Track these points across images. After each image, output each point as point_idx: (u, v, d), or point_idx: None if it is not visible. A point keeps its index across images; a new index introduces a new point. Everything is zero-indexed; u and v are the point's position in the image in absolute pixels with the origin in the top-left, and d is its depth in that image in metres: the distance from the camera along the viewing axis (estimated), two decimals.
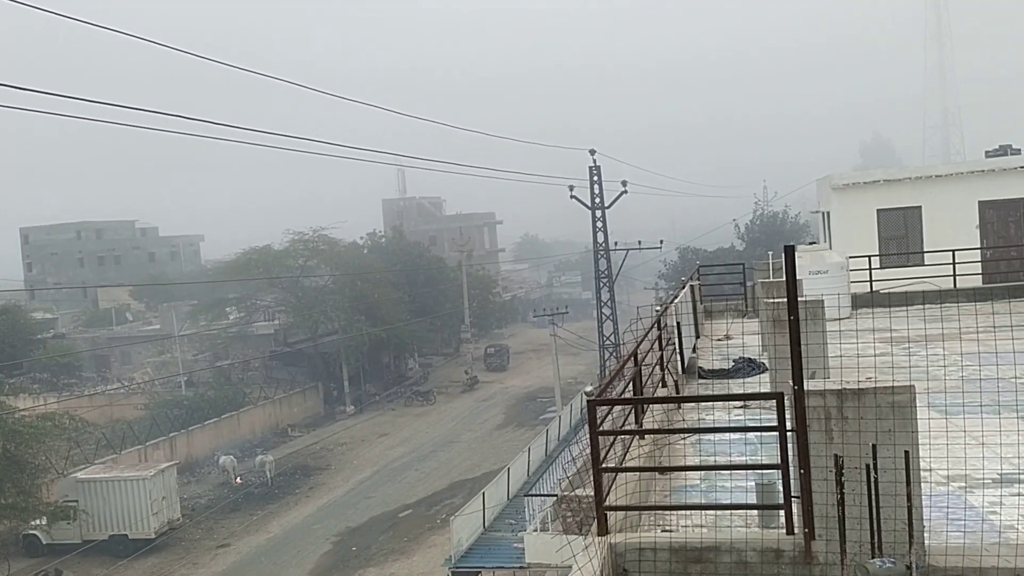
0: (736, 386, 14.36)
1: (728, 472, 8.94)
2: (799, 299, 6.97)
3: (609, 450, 8.07)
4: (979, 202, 26.66)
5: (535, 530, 22.33)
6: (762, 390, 13.20)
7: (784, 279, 7.08)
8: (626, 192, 53.37)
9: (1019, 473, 9.05)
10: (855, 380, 6.68)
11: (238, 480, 47.38)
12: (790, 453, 6.77)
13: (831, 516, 6.45)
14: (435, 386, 71.52)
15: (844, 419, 6.46)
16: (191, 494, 46.27)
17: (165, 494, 39.49)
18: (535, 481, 34.13)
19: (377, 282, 66.96)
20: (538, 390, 67.36)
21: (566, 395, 53.25)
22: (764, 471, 7.82)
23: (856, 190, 27.56)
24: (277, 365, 66.62)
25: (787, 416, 6.82)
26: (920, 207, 26.95)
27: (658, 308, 14.57)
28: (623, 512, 7.58)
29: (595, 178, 53.59)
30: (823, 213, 30.50)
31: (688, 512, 8.01)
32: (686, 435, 10.32)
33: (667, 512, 8.24)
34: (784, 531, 6.82)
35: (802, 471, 6.54)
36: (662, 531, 7.55)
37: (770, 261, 23.28)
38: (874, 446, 6.36)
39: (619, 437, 8.86)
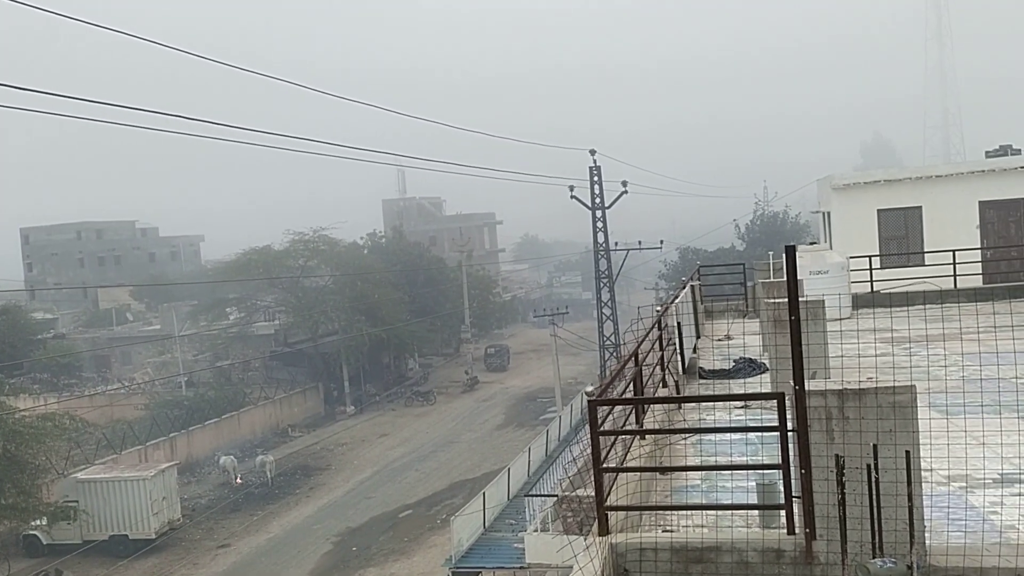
0: (737, 386, 14.36)
1: (729, 472, 8.94)
2: (800, 299, 6.97)
3: (610, 450, 8.07)
4: (979, 202, 26.67)
5: (535, 530, 22.36)
6: (763, 390, 13.20)
7: (785, 279, 7.08)
8: (626, 192, 53.38)
9: (1020, 473, 9.04)
10: (856, 380, 6.68)
11: (238, 480, 47.38)
12: (791, 453, 6.77)
13: (832, 516, 6.45)
14: (435, 386, 71.53)
15: (845, 419, 6.46)
16: (191, 494, 46.27)
17: (165, 494, 39.50)
18: (535, 481, 34.14)
19: (377, 282, 66.98)
20: (538, 390, 67.37)
21: (566, 395, 53.26)
22: (765, 471, 7.82)
23: (856, 190, 27.57)
24: (277, 365, 66.64)
25: (788, 416, 6.82)
26: (920, 207, 26.96)
27: (659, 308, 14.57)
28: (624, 512, 7.58)
29: (595, 178, 53.59)
30: (823, 213, 30.50)
31: (689, 512, 8.00)
32: (687, 435, 10.32)
33: (668, 512, 8.24)
34: (785, 531, 6.82)
35: (803, 471, 6.54)
36: (663, 531, 7.55)
37: (770, 261, 23.30)
38: (875, 446, 6.36)
39: (620, 437, 8.86)
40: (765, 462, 8.69)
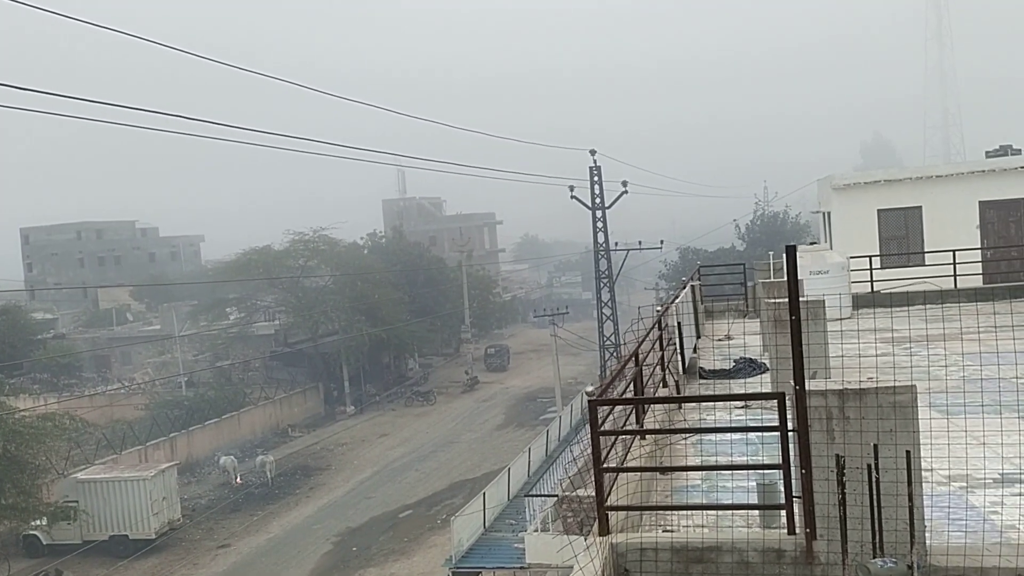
0: (737, 386, 14.36)
1: (729, 472, 8.94)
2: (800, 299, 6.97)
3: (610, 450, 8.07)
4: (979, 202, 26.67)
5: (536, 530, 22.36)
6: (763, 390, 13.20)
7: (785, 279, 7.08)
8: (626, 192, 53.37)
9: (1020, 473, 9.04)
10: (856, 380, 6.68)
11: (238, 480, 47.38)
12: (791, 453, 6.77)
13: (832, 516, 6.45)
14: (435, 386, 71.53)
15: (845, 419, 6.46)
16: (191, 494, 46.27)
17: (165, 494, 39.49)
18: (535, 481, 34.14)
19: (377, 282, 66.99)
20: (538, 390, 67.37)
21: (566, 395, 53.26)
22: (765, 471, 7.82)
23: (857, 190, 27.57)
24: (277, 365, 66.65)
25: (788, 416, 6.82)
26: (921, 207, 26.97)
27: (659, 308, 14.57)
28: (624, 512, 7.58)
29: (595, 178, 53.58)
30: (824, 213, 30.50)
31: (689, 512, 8.00)
32: (687, 435, 10.32)
33: (668, 512, 8.24)
34: (785, 531, 6.82)
35: (803, 471, 6.54)
36: (663, 531, 7.55)
37: (771, 261, 23.31)
38: (875, 446, 6.36)
39: (620, 437, 8.86)
40: (765, 462, 8.69)
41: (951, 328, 17.63)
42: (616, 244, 55.71)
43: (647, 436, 9.49)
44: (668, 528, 7.74)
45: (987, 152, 29.69)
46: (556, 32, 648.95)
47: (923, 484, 6.54)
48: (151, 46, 18.35)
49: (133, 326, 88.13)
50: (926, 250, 25.61)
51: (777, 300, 12.77)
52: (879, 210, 27.11)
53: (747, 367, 15.41)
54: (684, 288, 18.41)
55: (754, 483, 8.18)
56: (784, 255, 7.09)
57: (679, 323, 14.08)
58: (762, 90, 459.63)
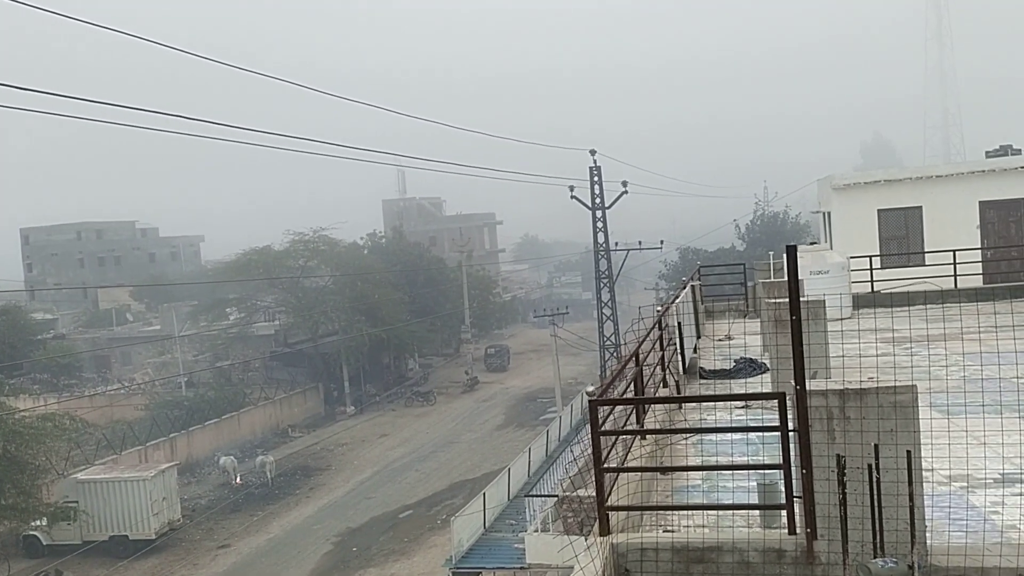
0: (737, 386, 14.35)
1: (730, 472, 8.94)
2: (800, 299, 6.97)
3: (610, 450, 8.06)
4: (980, 202, 26.68)
5: (536, 530, 22.36)
6: (763, 390, 13.20)
7: (785, 279, 7.08)
8: (626, 192, 53.36)
9: (1020, 473, 9.04)
10: (857, 380, 6.68)
11: (238, 481, 47.37)
12: (792, 453, 6.76)
13: (833, 516, 6.45)
14: (435, 386, 71.52)
15: (846, 419, 6.45)
16: (191, 495, 46.26)
17: (165, 495, 39.49)
18: (536, 481, 34.14)
19: (377, 282, 66.99)
20: (538, 390, 67.37)
21: (566, 395, 53.26)
22: (766, 471, 7.81)
23: (857, 190, 27.57)
24: (277, 366, 66.64)
25: (789, 416, 6.82)
26: (921, 207, 26.97)
27: (659, 308, 14.56)
28: (625, 512, 7.58)
29: (595, 178, 53.57)
30: (824, 213, 30.50)
31: (690, 512, 8.00)
32: (688, 435, 10.32)
33: (669, 512, 8.24)
34: (786, 531, 6.82)
35: (804, 471, 6.54)
36: (664, 531, 7.55)
37: (771, 261, 23.32)
38: (876, 446, 6.36)
39: (620, 437, 8.85)
40: (766, 462, 8.69)
41: (951, 328, 17.63)
42: (616, 244, 55.71)
43: (647, 436, 9.49)
44: (669, 528, 7.74)
45: (987, 152, 29.70)
46: (556, 32, 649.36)
47: (924, 484, 6.54)
48: (151, 46, 18.35)
49: (133, 326, 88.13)
50: (926, 250, 25.61)
51: (777, 300, 12.77)
52: (879, 210, 27.12)
53: (747, 367, 15.41)
54: (684, 288, 18.41)
55: (755, 483, 8.18)
56: (784, 255, 7.09)
57: (679, 323, 14.07)
58: (762, 90, 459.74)
